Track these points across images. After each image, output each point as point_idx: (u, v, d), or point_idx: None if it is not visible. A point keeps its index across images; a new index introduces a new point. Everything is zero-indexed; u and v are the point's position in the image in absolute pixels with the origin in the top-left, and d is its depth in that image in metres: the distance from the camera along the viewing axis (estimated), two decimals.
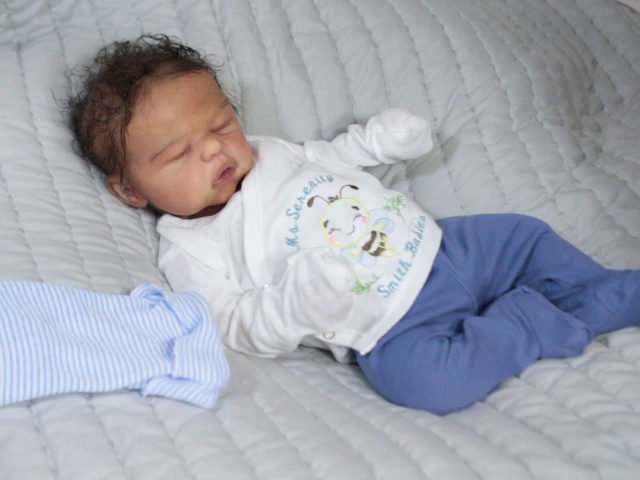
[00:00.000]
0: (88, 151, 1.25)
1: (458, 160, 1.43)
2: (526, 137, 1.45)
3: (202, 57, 1.31)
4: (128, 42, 1.30)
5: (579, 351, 1.09)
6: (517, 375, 1.09)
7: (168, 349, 0.94)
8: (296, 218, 1.18)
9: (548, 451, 0.90)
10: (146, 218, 1.28)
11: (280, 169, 1.25)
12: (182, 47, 1.30)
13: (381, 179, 1.39)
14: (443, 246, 1.21)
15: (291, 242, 1.16)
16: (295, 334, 1.07)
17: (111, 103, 1.19)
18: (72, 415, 0.85)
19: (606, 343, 1.12)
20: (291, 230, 1.17)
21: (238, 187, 1.24)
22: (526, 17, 1.70)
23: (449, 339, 1.10)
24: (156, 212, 1.29)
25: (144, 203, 1.27)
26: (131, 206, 1.27)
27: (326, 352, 1.20)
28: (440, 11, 1.54)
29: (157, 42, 1.30)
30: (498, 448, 0.92)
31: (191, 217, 1.25)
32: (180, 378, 0.89)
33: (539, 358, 1.10)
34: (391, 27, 1.48)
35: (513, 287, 1.21)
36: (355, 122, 1.43)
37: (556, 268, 1.20)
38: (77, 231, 1.13)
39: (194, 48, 1.31)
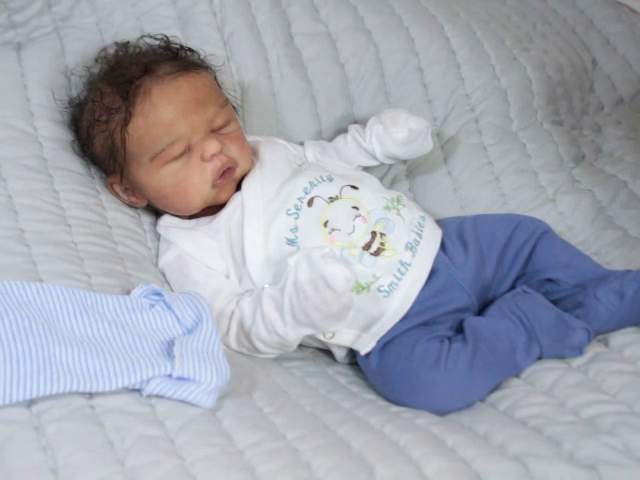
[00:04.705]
0: (88, 151, 1.25)
1: (458, 160, 1.43)
2: (526, 137, 1.45)
3: (202, 57, 1.31)
4: (128, 42, 1.30)
5: (579, 351, 1.09)
6: (517, 375, 1.09)
7: (168, 349, 0.94)
8: (296, 218, 1.18)
9: (548, 451, 0.90)
10: (146, 218, 1.28)
11: (280, 169, 1.25)
12: (182, 47, 1.30)
13: (381, 179, 1.39)
14: (443, 246, 1.21)
15: (291, 242, 1.16)
16: (295, 334, 1.07)
17: (111, 103, 1.19)
18: (72, 415, 0.85)
19: (606, 343, 1.12)
20: (291, 230, 1.17)
21: (238, 187, 1.24)
22: (526, 17, 1.70)
23: (449, 339, 1.11)
24: (156, 212, 1.29)
25: (144, 203, 1.27)
26: (131, 206, 1.27)
27: (326, 352, 1.20)
28: (440, 11, 1.54)
29: (157, 42, 1.30)
30: (498, 448, 0.92)
31: (191, 217, 1.25)
32: (180, 378, 0.89)
33: (539, 358, 1.10)
34: (391, 27, 1.48)
35: (513, 287, 1.21)
36: (355, 122, 1.43)
37: (556, 268, 1.20)
38: (77, 231, 1.13)
39: (194, 48, 1.31)
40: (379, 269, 1.14)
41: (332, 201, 1.19)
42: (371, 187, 1.25)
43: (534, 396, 1.03)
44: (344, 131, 1.36)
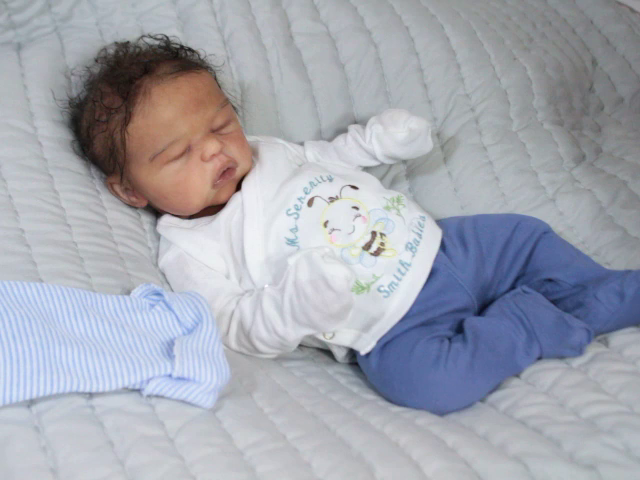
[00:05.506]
0: (88, 151, 1.25)
1: (458, 160, 1.43)
2: (526, 137, 1.45)
3: (202, 57, 1.31)
4: (128, 42, 1.30)
5: (579, 351, 1.09)
6: (517, 375, 1.09)
7: (168, 349, 0.94)
8: (296, 218, 1.18)
9: (548, 451, 0.90)
10: (146, 218, 1.28)
11: (280, 169, 1.25)
12: (182, 47, 1.30)
13: (381, 179, 1.39)
14: (443, 246, 1.21)
15: (291, 242, 1.16)
16: (295, 334, 1.07)
17: (111, 103, 1.19)
18: (72, 415, 0.85)
19: (606, 343, 1.12)
20: (291, 230, 1.17)
21: (238, 187, 1.24)
22: (526, 17, 1.70)
23: (449, 339, 1.11)
24: (156, 212, 1.29)
25: (144, 203, 1.27)
26: (131, 206, 1.27)
27: (326, 352, 1.20)
28: (440, 11, 1.54)
29: (157, 42, 1.30)
30: (498, 448, 0.92)
31: (191, 217, 1.25)
32: (180, 378, 0.89)
33: (539, 358, 1.10)
34: (391, 27, 1.48)
35: (513, 287, 1.21)
36: (355, 122, 1.43)
37: (556, 268, 1.20)
38: (77, 231, 1.13)
39: (194, 48, 1.31)
40: (379, 269, 1.14)
41: (332, 201, 1.19)
42: (371, 187, 1.25)
43: (534, 396, 1.03)
44: (344, 131, 1.36)
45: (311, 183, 1.21)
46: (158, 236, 1.25)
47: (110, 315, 0.97)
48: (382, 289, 1.14)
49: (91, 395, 0.88)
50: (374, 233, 1.17)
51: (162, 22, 1.40)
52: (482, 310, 1.19)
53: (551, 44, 1.65)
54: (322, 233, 1.16)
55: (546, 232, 1.25)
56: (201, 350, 0.92)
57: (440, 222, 1.27)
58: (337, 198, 1.20)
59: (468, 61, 1.48)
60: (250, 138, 1.31)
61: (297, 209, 1.18)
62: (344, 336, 1.14)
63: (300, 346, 1.17)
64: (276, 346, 1.09)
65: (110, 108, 1.18)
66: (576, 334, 1.09)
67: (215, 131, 1.21)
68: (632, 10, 1.85)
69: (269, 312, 1.07)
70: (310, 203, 1.19)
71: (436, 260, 1.17)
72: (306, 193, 1.20)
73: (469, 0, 1.65)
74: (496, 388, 1.07)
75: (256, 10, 1.45)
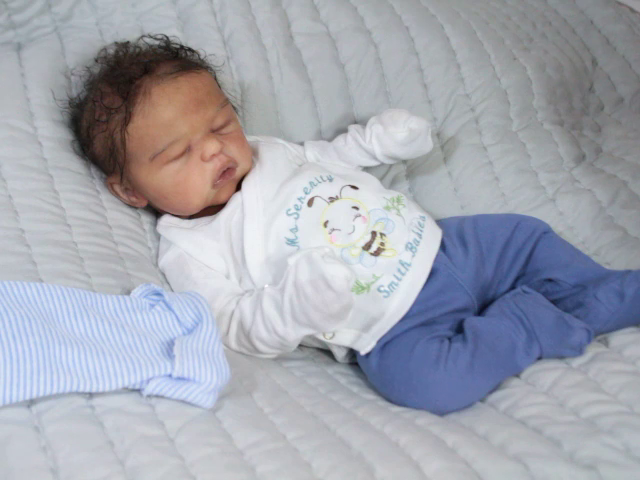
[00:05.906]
0: (88, 151, 1.25)
1: (458, 160, 1.43)
2: (526, 137, 1.45)
3: (202, 57, 1.31)
4: (128, 42, 1.30)
5: (579, 351, 1.09)
6: (517, 375, 1.09)
7: (168, 349, 0.94)
8: (296, 218, 1.18)
9: (548, 451, 0.90)
10: (146, 218, 1.28)
11: (280, 169, 1.25)
12: (182, 47, 1.30)
13: (381, 179, 1.39)
14: (443, 246, 1.21)
15: (291, 242, 1.16)
16: (295, 334, 1.07)
17: (111, 103, 1.19)
18: (72, 415, 0.85)
19: (606, 343, 1.12)
20: (291, 230, 1.17)
21: (238, 187, 1.24)
22: (526, 17, 1.70)
23: (449, 339, 1.11)
24: (156, 212, 1.29)
25: (144, 203, 1.27)
26: (131, 206, 1.27)
27: (326, 352, 1.20)
28: (440, 11, 1.54)
29: (157, 42, 1.30)
30: (498, 448, 0.92)
31: (191, 217, 1.25)
32: (180, 378, 0.89)
33: (539, 358, 1.10)
34: (391, 27, 1.48)
35: (513, 287, 1.21)
36: (355, 122, 1.43)
37: (556, 268, 1.20)
38: (77, 231, 1.13)
39: (194, 48, 1.32)
40: (379, 269, 1.14)
41: (332, 201, 1.19)
42: (371, 187, 1.25)
43: (534, 396, 1.03)
44: (344, 131, 1.36)
45: (311, 183, 1.21)
46: (158, 236, 1.25)
47: (110, 315, 0.97)
48: (382, 289, 1.14)
49: (91, 395, 0.88)
50: (374, 233, 1.17)
51: (162, 22, 1.40)
52: (482, 310, 1.19)
53: (551, 44, 1.65)
54: (322, 233, 1.16)
55: (546, 232, 1.25)
56: (201, 350, 0.92)
57: (440, 222, 1.27)
58: (337, 198, 1.20)
59: (468, 61, 1.48)
60: (250, 138, 1.31)
61: (297, 209, 1.18)
62: (344, 336, 1.14)
63: (300, 346, 1.17)
64: (276, 346, 1.09)
65: (110, 108, 1.18)
66: (576, 334, 1.09)
67: (215, 131, 1.21)
68: (632, 10, 1.85)
69: (269, 312, 1.07)
70: (310, 203, 1.19)
71: (436, 260, 1.17)
72: (306, 193, 1.20)
73: (469, 0, 1.65)
74: (496, 388, 1.07)
75: (256, 10, 1.45)
